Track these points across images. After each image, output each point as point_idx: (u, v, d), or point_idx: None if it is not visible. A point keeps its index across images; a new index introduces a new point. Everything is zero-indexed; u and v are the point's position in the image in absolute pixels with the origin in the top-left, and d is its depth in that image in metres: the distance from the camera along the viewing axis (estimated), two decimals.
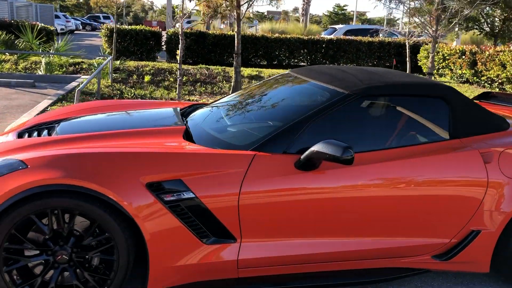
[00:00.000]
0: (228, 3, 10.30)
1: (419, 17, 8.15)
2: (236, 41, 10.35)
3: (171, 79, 11.54)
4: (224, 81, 11.88)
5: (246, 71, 12.93)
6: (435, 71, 13.54)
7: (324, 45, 15.04)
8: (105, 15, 44.76)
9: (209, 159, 2.62)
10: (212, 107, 3.68)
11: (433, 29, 8.06)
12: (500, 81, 11.19)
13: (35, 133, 3.22)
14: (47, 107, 6.66)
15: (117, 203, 2.43)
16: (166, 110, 3.75)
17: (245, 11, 10.39)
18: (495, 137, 3.00)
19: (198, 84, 11.61)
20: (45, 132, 3.20)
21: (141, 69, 11.89)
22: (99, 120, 3.46)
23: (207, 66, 13.00)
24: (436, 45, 8.75)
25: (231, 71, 12.76)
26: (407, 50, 10.96)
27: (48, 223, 2.46)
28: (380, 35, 16.42)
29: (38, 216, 2.44)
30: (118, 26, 14.47)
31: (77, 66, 11.62)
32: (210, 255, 2.63)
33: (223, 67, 13.31)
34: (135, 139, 2.90)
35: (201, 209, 2.56)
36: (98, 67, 7.41)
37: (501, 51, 11.32)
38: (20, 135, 3.21)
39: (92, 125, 3.33)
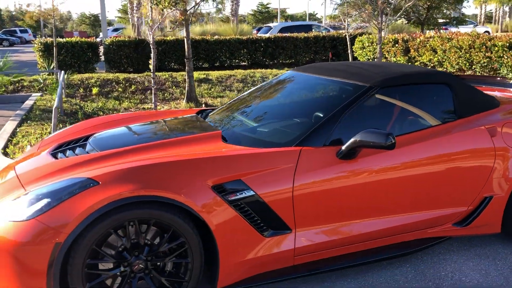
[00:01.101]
0: (174, 8, 10.34)
1: (365, 10, 8.71)
2: (186, 46, 10.44)
3: (120, 89, 11.39)
4: (174, 87, 11.89)
5: (194, 75, 12.99)
6: (370, 60, 14.36)
7: (263, 44, 15.45)
8: (22, 28, 42.47)
9: (262, 158, 2.82)
10: (230, 110, 3.86)
11: (379, 20, 8.66)
12: (432, 64, 12.15)
13: (69, 152, 3.25)
14: (15, 129, 6.43)
15: (189, 207, 2.57)
16: (185, 118, 3.88)
17: (191, 15, 10.49)
18: (493, 113, 3.46)
19: (148, 92, 11.54)
20: (79, 150, 3.24)
21: (86, 82, 11.61)
22: (130, 134, 3.53)
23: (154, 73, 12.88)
24: (384, 34, 9.38)
25: (178, 76, 12.78)
26: (348, 43, 11.60)
27: (126, 235, 2.55)
28: (313, 30, 17.10)
29: (115, 229, 2.52)
30: (49, 39, 13.99)
31: (17, 84, 11.13)
32: (270, 247, 2.84)
33: (169, 72, 13.30)
34: (180, 148, 3.03)
35: (260, 205, 2.76)
36: (58, 83, 7.22)
37: (430, 37, 12.29)
38: (54, 155, 3.22)
39: (127, 139, 3.39)
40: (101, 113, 8.73)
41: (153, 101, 7.43)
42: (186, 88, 10.61)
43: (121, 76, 12.47)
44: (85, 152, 3.17)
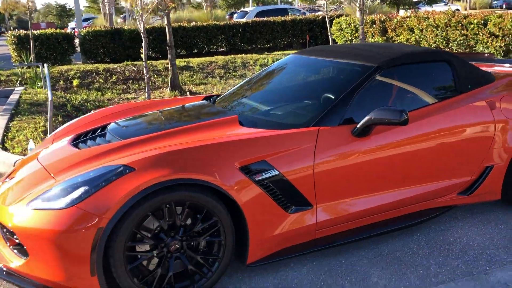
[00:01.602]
0: None
1: None
2: (167, 34, 10.45)
3: (101, 80, 11.32)
4: (156, 76, 11.88)
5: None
6: (349, 42, 14.60)
7: (240, 29, 15.50)
8: None
9: (283, 139, 2.98)
10: (237, 95, 4.00)
11: (360, 2, 8.85)
12: (410, 44, 12.46)
13: (90, 142, 3.34)
14: (7, 124, 6.41)
15: (221, 188, 2.72)
16: (197, 104, 3.99)
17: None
18: (490, 88, 3.70)
19: (130, 81, 11.51)
20: (100, 139, 3.34)
21: (66, 74, 11.50)
22: (149, 122, 3.63)
23: (133, 62, 12.85)
24: (364, 16, 9.59)
25: (158, 64, 12.75)
26: (328, 25, 11.78)
27: (163, 217, 2.69)
28: (289, 13, 17.21)
29: (153, 212, 2.65)
30: (22, 31, 13.74)
31: None
32: (294, 223, 3.01)
33: (149, 61, 13.24)
34: (200, 133, 3.15)
35: (284, 183, 2.92)
36: (45, 76, 7.18)
37: (407, 17, 12.59)
38: (75, 145, 3.31)
39: (147, 127, 3.50)
40: (88, 105, 8.71)
41: (146, 90, 7.46)
42: (170, 76, 10.63)
43: (101, 66, 12.37)
44: (107, 141, 3.26)
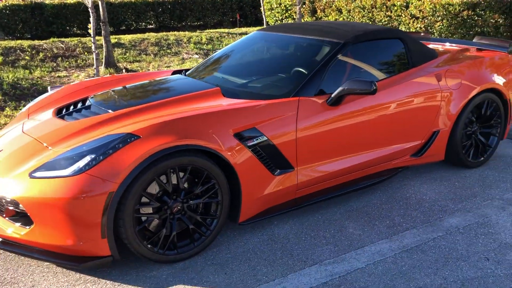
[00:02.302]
0: None
1: None
2: (101, 9, 10.23)
3: (27, 57, 10.86)
4: (86, 53, 11.59)
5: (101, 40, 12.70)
6: (279, 21, 15.04)
7: (170, 6, 15.38)
8: None
9: (270, 108, 3.30)
10: (208, 70, 4.23)
11: None
12: None
13: (75, 114, 3.45)
14: None
15: (219, 153, 3.00)
16: (175, 77, 4.18)
17: None
18: (435, 62, 4.25)
19: (59, 59, 11.14)
20: (86, 111, 3.45)
21: None
22: (133, 94, 3.76)
23: (60, 39, 12.39)
24: None
25: (87, 41, 12.40)
26: (262, 4, 12.10)
27: (168, 181, 2.92)
28: None
29: (159, 176, 2.87)
30: None
31: None
32: (278, 184, 3.37)
33: (78, 38, 12.83)
34: (188, 103, 3.39)
35: (271, 148, 3.26)
36: None
37: None
38: (61, 117, 3.41)
39: (133, 99, 3.64)
40: (23, 83, 8.42)
41: (95, 66, 7.38)
42: (104, 53, 10.45)
43: (25, 43, 11.81)
44: (94, 113, 3.38)
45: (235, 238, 3.32)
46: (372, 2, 12.10)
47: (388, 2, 11.81)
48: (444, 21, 10.67)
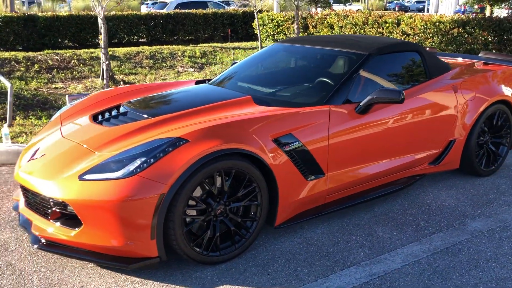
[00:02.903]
0: None
1: None
2: (100, 22, 10.29)
3: (22, 69, 10.83)
4: (81, 65, 11.61)
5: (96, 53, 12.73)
6: (271, 37, 15.31)
7: (162, 20, 15.52)
8: None
9: (304, 116, 3.44)
10: (231, 79, 4.36)
11: None
12: None
13: (113, 120, 3.53)
14: None
15: (261, 157, 3.12)
16: (204, 86, 4.30)
17: None
18: (449, 74, 4.47)
19: (54, 70, 11.14)
20: (123, 117, 3.54)
21: None
22: (168, 101, 3.87)
23: (54, 51, 12.39)
24: (301, 13, 10.25)
25: (82, 53, 12.43)
26: (256, 20, 12.33)
27: (214, 184, 3.01)
28: (209, 7, 17.52)
29: (206, 179, 2.97)
30: None
31: None
32: (311, 189, 3.50)
33: (72, 50, 12.84)
34: (222, 111, 3.50)
35: (305, 154, 3.39)
36: None
37: (327, 14, 13.57)
38: (99, 123, 3.50)
39: (170, 105, 3.74)
40: (24, 93, 8.41)
41: (104, 77, 7.41)
42: (102, 65, 10.49)
43: (20, 54, 11.78)
44: (132, 119, 3.47)
45: (270, 241, 3.42)
46: (364, 19, 12.45)
47: (380, 19, 12.16)
48: (435, 38, 11.05)
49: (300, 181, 3.41)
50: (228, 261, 3.15)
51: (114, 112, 3.73)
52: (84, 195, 2.84)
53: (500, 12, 18.73)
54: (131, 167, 2.84)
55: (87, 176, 2.90)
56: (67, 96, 5.55)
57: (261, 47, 12.23)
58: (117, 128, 3.34)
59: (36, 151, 3.39)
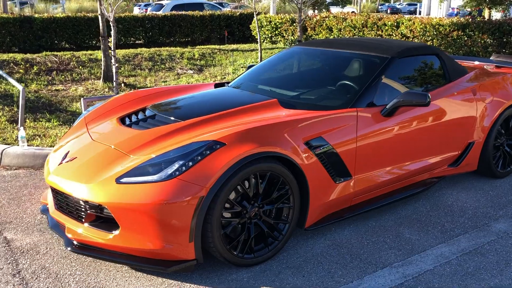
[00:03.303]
0: None
1: None
2: (101, 24, 10.28)
3: (21, 71, 10.77)
4: (81, 67, 11.56)
5: (98, 54, 12.68)
6: (269, 39, 15.36)
7: (159, 22, 15.50)
8: None
9: (333, 119, 3.48)
10: (250, 82, 4.39)
11: (300, 1, 9.57)
12: None
13: (141, 123, 3.54)
14: None
15: (294, 160, 3.15)
16: (226, 90, 4.33)
17: None
18: (467, 77, 4.54)
19: (53, 72, 11.07)
20: (152, 120, 3.56)
21: None
22: (195, 104, 3.89)
23: (53, 53, 12.33)
24: (302, 15, 10.32)
25: (81, 55, 12.37)
26: (256, 22, 12.38)
27: (249, 187, 3.04)
28: (206, 8, 17.53)
29: (242, 182, 2.99)
30: None
31: None
32: (339, 191, 3.53)
33: (71, 52, 12.79)
34: (251, 114, 3.52)
35: (334, 157, 3.43)
36: None
37: (326, 17, 13.65)
38: (123, 123, 3.53)
39: (198, 108, 3.75)
40: (29, 95, 8.36)
41: (114, 79, 7.37)
42: (103, 67, 10.47)
43: (18, 56, 11.71)
44: (162, 122, 3.48)
45: (300, 244, 3.45)
46: (362, 21, 12.55)
47: (379, 22, 12.27)
48: (434, 40, 11.16)
49: (329, 183, 3.44)
50: (261, 263, 3.17)
51: (140, 115, 3.73)
52: (122, 198, 2.84)
53: (494, 14, 18.97)
54: (170, 170, 2.86)
55: (125, 179, 2.91)
56: (82, 100, 5.53)
57: (261, 50, 12.27)
58: (148, 131, 3.35)
59: (66, 154, 3.38)
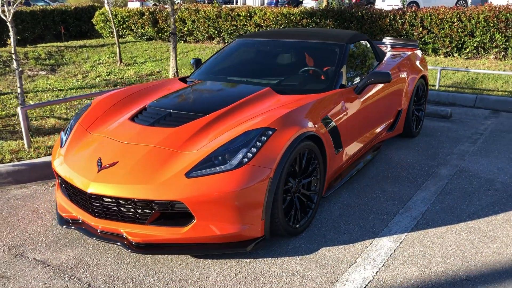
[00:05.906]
0: None
1: None
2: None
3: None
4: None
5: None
6: (115, 33, 15.04)
7: None
8: None
9: (331, 99, 4.12)
10: (214, 74, 4.78)
11: None
12: (182, 33, 13.94)
13: (163, 120, 3.71)
14: None
15: (320, 137, 3.71)
16: (212, 84, 4.63)
17: None
18: (388, 57, 5.59)
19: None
20: (170, 117, 3.74)
21: None
22: (205, 98, 4.16)
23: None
24: (175, 8, 10.49)
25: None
26: (110, 15, 12.11)
27: (297, 164, 3.50)
28: (33, 3, 16.27)
29: (294, 160, 3.45)
30: None
31: None
32: (337, 162, 4.21)
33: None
34: (260, 103, 3.95)
35: (335, 130, 4.09)
36: None
37: (177, 9, 13.96)
38: (151, 125, 3.67)
39: (213, 102, 3.99)
40: None
41: (19, 85, 6.64)
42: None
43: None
44: (186, 118, 3.67)
45: (319, 212, 4.02)
46: (216, 12, 13.21)
47: (233, 13, 13.07)
48: (287, 28, 12.42)
49: (333, 154, 4.08)
50: (304, 231, 3.67)
51: (154, 114, 3.82)
52: (197, 191, 3.04)
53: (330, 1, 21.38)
54: (237, 158, 3.16)
55: (194, 173, 3.11)
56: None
57: (119, 44, 12.08)
58: (183, 128, 3.52)
59: (99, 159, 3.35)
